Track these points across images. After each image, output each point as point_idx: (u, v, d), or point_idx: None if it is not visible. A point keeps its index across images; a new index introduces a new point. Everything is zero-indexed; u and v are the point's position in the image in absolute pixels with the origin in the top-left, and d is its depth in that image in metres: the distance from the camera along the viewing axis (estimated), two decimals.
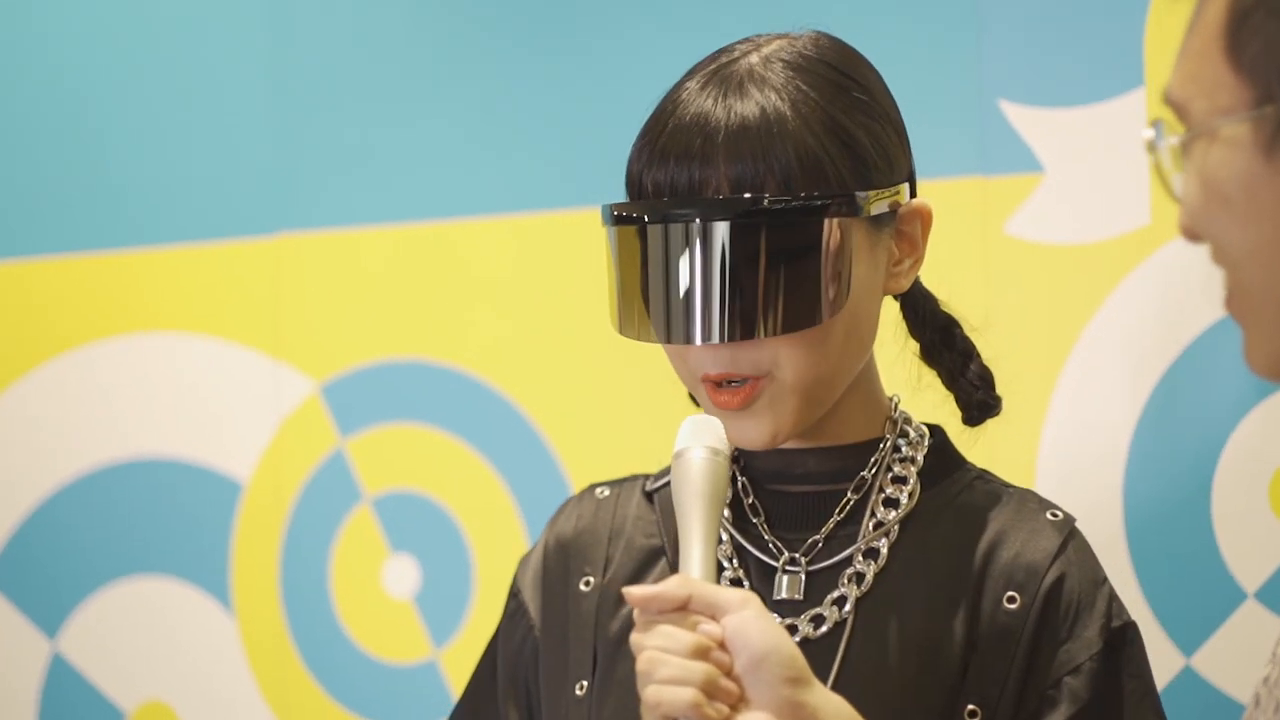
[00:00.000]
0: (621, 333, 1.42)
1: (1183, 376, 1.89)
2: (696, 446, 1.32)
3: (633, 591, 1.23)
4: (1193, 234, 1.02)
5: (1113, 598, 1.40)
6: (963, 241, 1.94)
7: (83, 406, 2.43)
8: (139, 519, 2.40)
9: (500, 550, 2.23)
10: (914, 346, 1.53)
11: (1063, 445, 1.94)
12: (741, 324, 1.34)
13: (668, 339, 1.38)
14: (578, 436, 2.20)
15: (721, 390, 1.38)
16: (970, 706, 1.36)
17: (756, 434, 1.39)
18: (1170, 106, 1.02)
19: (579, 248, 2.19)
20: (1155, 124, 1.03)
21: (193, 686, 2.38)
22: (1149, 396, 1.91)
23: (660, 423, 2.12)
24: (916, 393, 1.53)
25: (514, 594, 1.54)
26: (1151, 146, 1.03)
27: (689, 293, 1.35)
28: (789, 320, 1.34)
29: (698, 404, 1.55)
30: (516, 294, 2.23)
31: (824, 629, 1.39)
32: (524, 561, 1.55)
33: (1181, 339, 1.89)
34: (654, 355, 2.14)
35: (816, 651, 1.37)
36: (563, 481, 2.20)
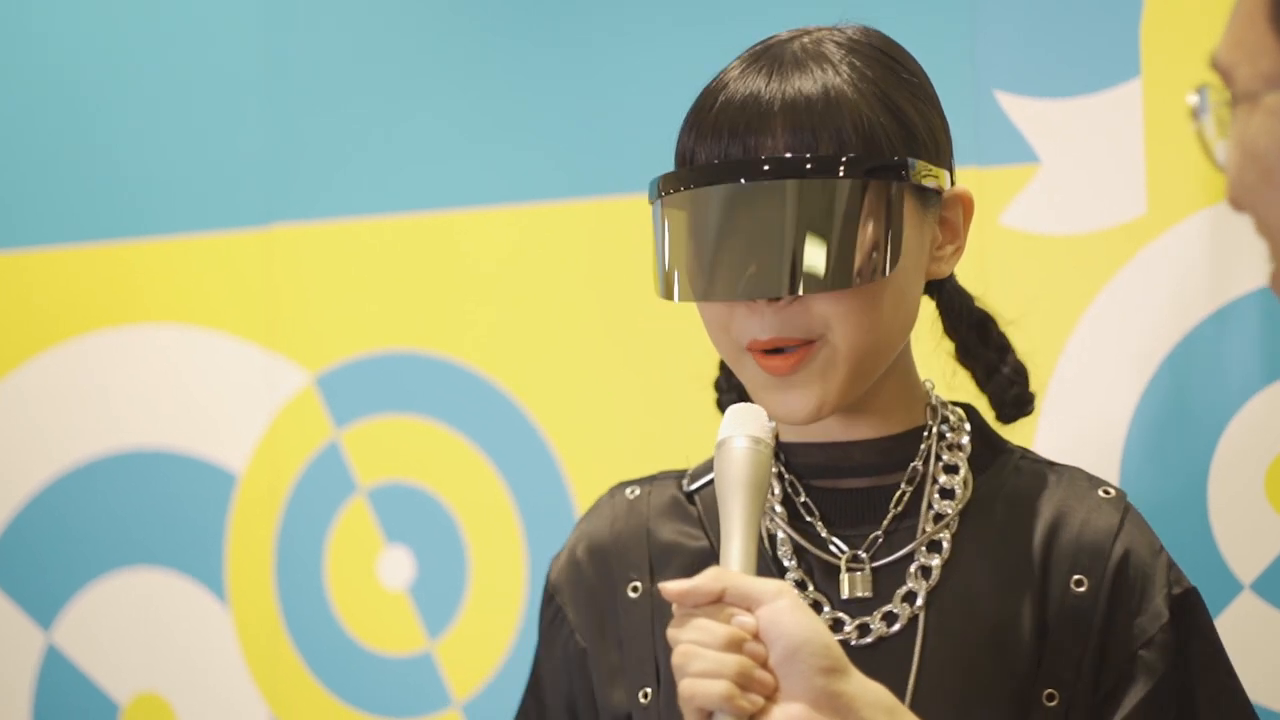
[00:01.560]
0: (675, 299, 1.40)
1: (1179, 368, 1.89)
2: (739, 436, 1.31)
3: (668, 586, 1.23)
4: (1238, 204, 1.00)
5: (1171, 565, 1.42)
6: None
7: (76, 398, 2.42)
8: (133, 510, 2.39)
9: (495, 542, 2.23)
10: (948, 346, 1.53)
11: (1059, 437, 1.93)
12: (801, 280, 1.33)
13: (734, 296, 1.36)
14: (573, 428, 2.19)
15: (771, 356, 1.37)
16: (1048, 691, 1.37)
17: (802, 404, 1.37)
18: (1216, 71, 1.00)
19: (574, 239, 2.18)
20: (1200, 89, 1.01)
21: (187, 678, 2.37)
22: (1145, 388, 1.91)
23: (655, 415, 2.13)
24: (950, 392, 1.53)
25: (549, 598, 1.52)
26: (1194, 113, 1.01)
27: (748, 251, 1.34)
28: (840, 277, 1.33)
29: (726, 392, 1.54)
30: (511, 285, 2.22)
31: (898, 626, 1.39)
32: (555, 563, 1.53)
33: (1178, 330, 1.89)
34: (649, 347, 2.14)
35: (893, 649, 1.37)
36: (558, 473, 2.19)
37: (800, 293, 1.33)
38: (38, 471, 2.44)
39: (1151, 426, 1.90)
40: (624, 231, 2.13)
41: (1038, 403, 1.90)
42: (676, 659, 1.22)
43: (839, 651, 1.22)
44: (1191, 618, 1.40)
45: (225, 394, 2.35)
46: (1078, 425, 1.93)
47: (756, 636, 1.21)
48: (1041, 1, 1.95)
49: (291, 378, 2.32)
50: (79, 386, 2.42)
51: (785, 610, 1.21)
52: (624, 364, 2.14)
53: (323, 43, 2.31)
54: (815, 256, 1.33)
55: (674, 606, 1.24)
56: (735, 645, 1.20)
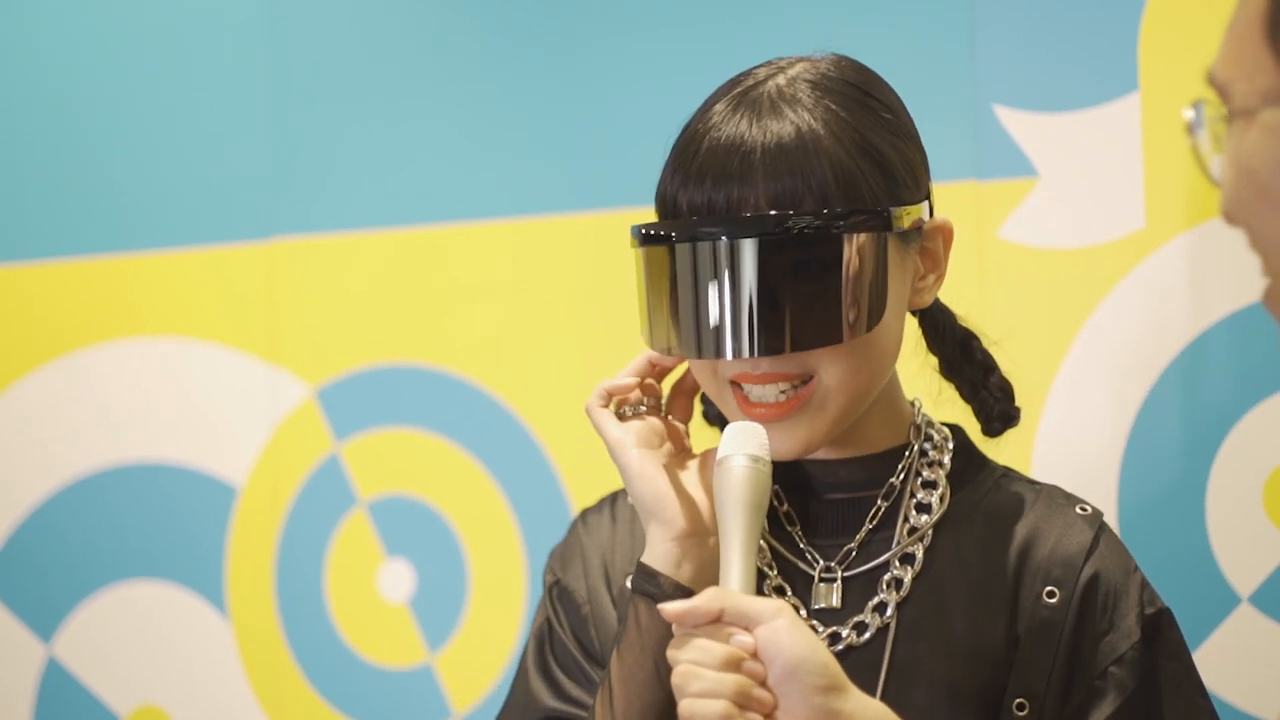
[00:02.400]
0: (666, 351, 1.40)
1: (1177, 381, 1.90)
2: (738, 455, 1.32)
3: (667, 608, 1.24)
4: (1233, 219, 1.01)
5: (1144, 585, 1.42)
6: (957, 246, 1.93)
7: (78, 411, 2.43)
8: (134, 523, 2.40)
9: (495, 554, 2.23)
10: (933, 362, 1.54)
11: (1057, 449, 1.94)
12: (791, 338, 1.34)
13: (718, 354, 1.36)
14: (572, 440, 2.20)
15: (755, 405, 1.38)
16: (1019, 700, 1.38)
17: (788, 445, 1.38)
18: (1213, 87, 1.01)
19: (573, 252, 2.19)
20: (1196, 104, 1.01)
21: (187, 691, 2.38)
22: (1143, 400, 1.91)
23: None
24: (936, 408, 1.54)
25: (555, 581, 1.53)
26: (1190, 128, 1.02)
27: (737, 307, 1.34)
28: (832, 332, 1.34)
29: (711, 404, 1.54)
30: (510, 298, 2.23)
31: (868, 635, 1.40)
32: (555, 555, 1.55)
33: (1176, 343, 1.89)
34: None
35: (863, 658, 1.38)
36: (557, 485, 2.20)
37: (791, 350, 1.34)
38: (38, 484, 2.44)
39: (1150, 439, 1.91)
40: (622, 245, 2.13)
41: (1036, 415, 1.91)
42: (676, 679, 1.23)
43: (837, 669, 1.22)
44: (1163, 638, 1.41)
45: (226, 407, 2.36)
46: (1076, 438, 1.93)
47: (755, 655, 1.22)
48: (1040, 16, 1.96)
49: (292, 390, 2.33)
50: (80, 399, 2.43)
51: (783, 629, 1.22)
52: None
53: (323, 58, 2.32)
54: (805, 313, 1.34)
55: (674, 626, 1.25)
56: (734, 665, 1.21)
